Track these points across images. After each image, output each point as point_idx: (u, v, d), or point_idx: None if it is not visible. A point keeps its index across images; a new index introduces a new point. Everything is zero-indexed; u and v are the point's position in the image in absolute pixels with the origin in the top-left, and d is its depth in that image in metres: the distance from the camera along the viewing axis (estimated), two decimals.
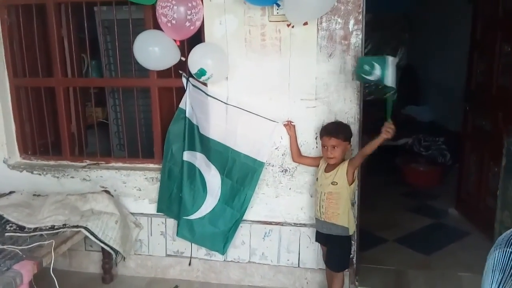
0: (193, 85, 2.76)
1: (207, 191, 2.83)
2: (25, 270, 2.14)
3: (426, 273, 3.06)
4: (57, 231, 2.55)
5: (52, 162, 3.20)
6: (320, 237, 2.62)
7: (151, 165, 3.04)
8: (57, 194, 2.90)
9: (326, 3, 2.34)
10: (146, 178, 2.99)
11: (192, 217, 2.84)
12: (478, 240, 3.52)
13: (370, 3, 2.65)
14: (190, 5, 2.46)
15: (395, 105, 6.78)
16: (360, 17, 2.52)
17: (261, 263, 2.94)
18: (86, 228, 2.63)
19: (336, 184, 2.43)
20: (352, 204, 2.67)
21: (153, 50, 2.59)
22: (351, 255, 2.77)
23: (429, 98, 6.17)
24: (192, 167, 2.82)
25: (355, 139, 2.65)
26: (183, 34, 2.60)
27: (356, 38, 2.55)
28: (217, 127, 2.79)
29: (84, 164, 3.14)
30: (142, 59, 2.65)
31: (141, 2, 2.69)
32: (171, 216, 2.97)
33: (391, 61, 2.23)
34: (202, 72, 2.53)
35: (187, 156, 2.80)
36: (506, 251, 1.04)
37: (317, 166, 2.61)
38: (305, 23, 2.52)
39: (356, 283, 2.88)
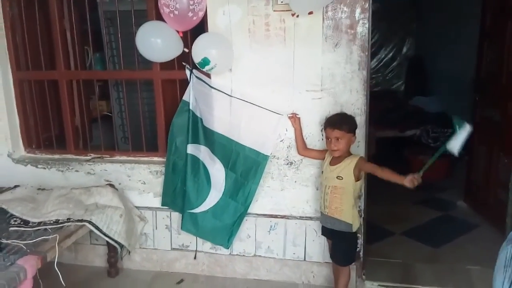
0: (196, 77, 2.72)
1: (211, 185, 2.80)
2: (29, 265, 2.13)
3: (434, 266, 3.02)
4: (61, 225, 2.54)
5: (56, 156, 3.19)
6: (325, 231, 2.58)
7: (155, 158, 3.01)
8: (61, 188, 2.89)
9: None
10: (150, 172, 2.97)
11: (196, 210, 2.82)
12: (487, 233, 3.47)
13: None
14: None
15: (402, 96, 6.70)
16: (367, 5, 2.46)
17: (266, 256, 2.92)
18: (90, 222, 2.62)
19: (342, 179, 2.39)
20: (359, 197, 2.64)
21: (156, 42, 2.55)
22: (358, 249, 2.74)
23: (437, 89, 6.07)
24: (196, 160, 2.79)
25: (361, 131, 2.61)
26: (186, 25, 2.55)
27: (363, 27, 2.49)
28: (221, 119, 2.75)
29: (88, 157, 3.13)
30: (145, 51, 2.61)
31: None
32: (176, 209, 2.95)
33: (468, 129, 2.25)
34: (205, 62, 2.48)
35: (191, 149, 2.77)
36: None
37: (323, 159, 2.57)
38: (310, 13, 2.46)
39: (363, 276, 2.84)
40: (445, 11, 5.81)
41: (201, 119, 2.77)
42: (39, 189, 2.98)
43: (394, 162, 4.84)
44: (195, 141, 2.77)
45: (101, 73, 3.37)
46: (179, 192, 2.87)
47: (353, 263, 2.65)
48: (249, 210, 2.80)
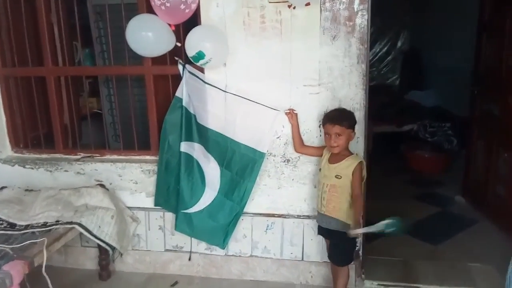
0: (189, 72, 2.62)
1: (205, 184, 2.71)
2: (15, 270, 2.03)
3: (434, 264, 2.96)
4: (49, 228, 2.44)
5: (44, 156, 3.08)
6: (322, 231, 2.51)
7: (148, 157, 2.91)
8: (50, 189, 2.79)
9: None
10: (142, 171, 2.87)
11: (191, 210, 2.73)
12: (486, 229, 3.43)
13: None
14: None
15: (398, 90, 6.64)
16: None
17: (263, 256, 2.84)
18: (80, 225, 2.52)
19: (340, 178, 2.31)
20: None
21: (147, 36, 2.44)
22: (357, 248, 2.67)
23: (433, 82, 6.02)
24: (190, 158, 2.70)
25: (360, 127, 2.53)
26: (178, 17, 2.45)
27: (362, 19, 2.41)
28: (216, 116, 2.66)
29: (78, 157, 3.02)
30: (135, 45, 2.51)
31: None
32: (169, 209, 2.86)
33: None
34: (200, 55, 2.38)
35: (184, 147, 2.68)
36: None
37: (321, 156, 2.49)
38: (307, 4, 2.37)
39: (363, 276, 2.78)
40: (440, 3, 5.75)
41: (194, 116, 2.67)
42: (26, 190, 2.87)
43: (391, 157, 4.88)
44: (189, 138, 2.68)
45: (90, 69, 3.27)
46: (172, 191, 2.78)
47: (352, 262, 2.58)
48: (245, 209, 2.72)
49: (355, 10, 2.39)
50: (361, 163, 2.32)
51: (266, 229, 2.79)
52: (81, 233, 2.57)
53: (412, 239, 3.32)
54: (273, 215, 2.76)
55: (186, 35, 2.46)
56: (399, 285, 2.76)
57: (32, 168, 3.01)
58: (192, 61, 2.47)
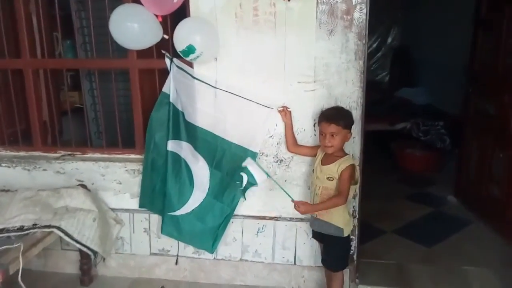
0: (177, 66, 2.47)
1: (194, 184, 2.57)
2: None
3: (429, 267, 2.88)
4: (26, 232, 2.29)
5: (22, 153, 2.91)
6: (316, 234, 2.42)
7: (132, 156, 2.76)
8: (27, 190, 2.62)
9: None
10: (127, 170, 2.72)
11: (178, 212, 2.59)
12: (481, 231, 3.37)
13: None
14: None
15: (388, 87, 6.57)
16: None
17: (254, 261, 2.73)
18: (59, 228, 2.37)
19: (332, 180, 2.20)
20: (354, 197, 2.46)
21: (132, 27, 2.29)
22: (351, 251, 2.58)
23: (424, 79, 5.96)
24: (177, 158, 2.56)
25: (357, 126, 2.42)
26: (165, 8, 2.31)
27: (360, 13, 2.29)
28: (205, 113, 2.52)
29: (58, 155, 2.86)
30: (120, 38, 2.35)
31: None
32: (155, 211, 2.72)
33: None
34: (190, 49, 2.24)
35: (171, 145, 2.54)
36: None
37: (315, 156, 2.38)
38: None
39: (357, 280, 2.68)
40: None
41: (182, 113, 2.53)
42: (2, 190, 2.71)
43: (381, 156, 4.80)
44: (176, 137, 2.54)
45: (71, 62, 3.09)
46: (158, 192, 2.64)
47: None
48: (236, 212, 2.60)
49: (353, 3, 2.27)
50: (352, 166, 2.21)
51: (257, 232, 2.68)
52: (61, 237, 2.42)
53: (405, 240, 3.25)
54: (264, 218, 2.65)
55: (174, 27, 2.31)
56: None
57: (9, 167, 2.84)
58: (182, 55, 2.32)
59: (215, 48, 2.38)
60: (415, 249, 3.14)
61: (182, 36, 2.24)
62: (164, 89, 2.54)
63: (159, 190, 2.63)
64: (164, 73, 2.54)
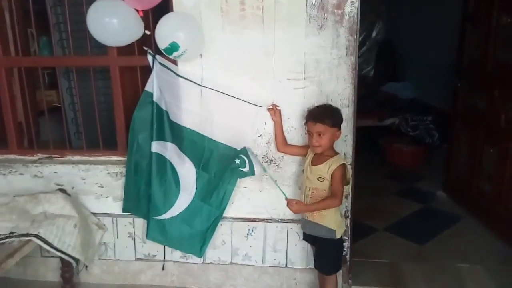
0: (160, 63, 2.35)
1: (180, 187, 2.46)
2: None
3: (422, 265, 2.84)
4: (2, 241, 2.17)
5: None
6: (307, 237, 2.34)
7: (114, 158, 2.64)
8: (3, 196, 2.49)
9: None
10: (109, 173, 2.60)
11: (164, 216, 2.48)
12: (471, 227, 3.35)
13: None
14: None
15: (375, 82, 6.51)
16: None
17: (244, 264, 2.64)
18: (38, 236, 2.24)
19: (323, 181, 2.12)
20: (346, 197, 2.39)
21: (111, 23, 2.16)
22: (344, 252, 2.51)
23: (409, 73, 5.94)
24: (162, 159, 2.44)
25: (349, 124, 2.35)
26: (146, 3, 2.19)
27: (351, 7, 2.20)
28: (191, 113, 2.41)
29: (35, 158, 2.71)
30: (98, 34, 2.22)
31: None
32: (140, 215, 2.60)
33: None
34: (174, 47, 2.12)
35: (156, 147, 2.42)
36: None
37: (305, 155, 2.30)
38: None
39: (350, 281, 2.62)
40: None
41: (167, 113, 2.41)
42: None
43: (368, 151, 4.75)
44: (161, 137, 2.42)
45: (46, 60, 2.94)
46: (143, 196, 2.52)
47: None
48: (224, 214, 2.50)
49: None
50: (343, 165, 2.13)
51: (247, 234, 2.59)
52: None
53: (397, 238, 3.21)
54: (254, 220, 2.56)
55: (157, 22, 2.18)
56: None
57: None
58: (165, 53, 2.20)
59: (200, 45, 2.26)
60: (407, 247, 3.10)
61: (164, 33, 2.12)
62: (147, 88, 2.42)
63: (144, 194, 2.51)
64: (147, 70, 2.41)
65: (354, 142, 2.42)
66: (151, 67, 2.36)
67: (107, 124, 2.75)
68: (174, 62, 2.36)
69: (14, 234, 2.21)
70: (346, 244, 2.53)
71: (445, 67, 4.11)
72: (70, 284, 2.65)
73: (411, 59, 5.89)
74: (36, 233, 2.24)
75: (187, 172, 2.46)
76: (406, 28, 6.00)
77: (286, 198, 2.14)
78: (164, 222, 2.49)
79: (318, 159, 2.17)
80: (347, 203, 2.47)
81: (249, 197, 2.52)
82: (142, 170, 2.50)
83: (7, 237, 2.18)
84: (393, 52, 6.39)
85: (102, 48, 2.47)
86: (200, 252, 2.55)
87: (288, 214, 2.51)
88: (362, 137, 4.54)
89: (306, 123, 2.18)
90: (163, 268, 2.68)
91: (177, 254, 2.66)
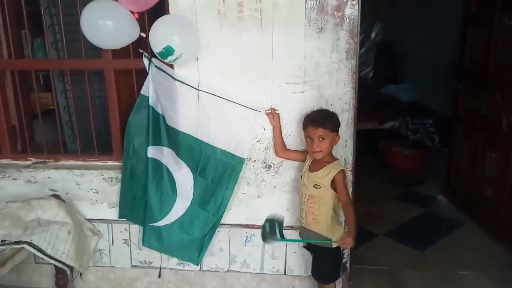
0: (156, 66, 2.30)
1: (177, 193, 2.41)
2: None
3: (423, 273, 2.79)
4: None
5: None
6: (305, 244, 2.30)
7: (110, 163, 2.59)
8: None
9: None
10: (104, 178, 2.54)
11: (160, 223, 2.43)
12: (473, 233, 3.29)
13: None
14: None
15: (374, 84, 6.47)
16: None
17: (242, 271, 2.59)
18: (30, 244, 2.19)
19: (319, 188, 2.07)
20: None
21: (105, 25, 2.10)
22: (344, 260, 2.46)
23: (409, 75, 5.89)
24: (158, 164, 2.39)
25: (350, 129, 2.30)
26: (142, 4, 2.14)
27: (352, 9, 2.15)
28: (187, 117, 2.35)
29: (28, 162, 2.66)
30: (92, 36, 2.17)
31: None
32: (136, 222, 2.55)
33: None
34: (169, 51, 2.06)
35: (152, 152, 2.36)
36: None
37: (304, 160, 2.24)
38: None
39: None
40: None
41: (163, 117, 2.36)
42: None
43: (368, 155, 4.70)
44: (157, 142, 2.37)
45: (40, 63, 2.88)
46: (139, 202, 2.46)
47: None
48: (222, 220, 2.44)
49: None
50: (342, 171, 2.07)
51: (245, 241, 2.53)
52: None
53: (398, 244, 3.16)
54: (252, 226, 2.50)
55: (152, 24, 2.13)
56: None
57: None
58: (159, 57, 2.14)
59: (196, 48, 2.21)
60: (407, 253, 3.05)
61: (159, 36, 2.06)
62: (143, 91, 2.37)
63: (140, 200, 2.46)
64: (143, 74, 2.36)
65: (355, 147, 2.37)
66: (147, 70, 2.31)
67: (102, 128, 2.70)
68: (171, 65, 2.31)
69: (6, 242, 2.15)
70: (346, 252, 2.48)
71: (444, 69, 4.06)
72: None
73: (411, 61, 5.84)
74: (29, 240, 2.19)
75: (184, 178, 2.41)
76: (405, 29, 5.95)
77: (334, 242, 2.06)
78: (160, 228, 2.44)
79: (316, 165, 2.12)
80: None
81: (247, 203, 2.47)
82: (138, 176, 2.45)
83: None
84: (392, 53, 6.35)
85: (97, 50, 2.41)
86: (197, 260, 2.50)
87: (287, 221, 2.44)
88: (361, 140, 4.53)
89: (304, 128, 2.13)
90: (159, 276, 2.63)
91: (173, 261, 2.60)
